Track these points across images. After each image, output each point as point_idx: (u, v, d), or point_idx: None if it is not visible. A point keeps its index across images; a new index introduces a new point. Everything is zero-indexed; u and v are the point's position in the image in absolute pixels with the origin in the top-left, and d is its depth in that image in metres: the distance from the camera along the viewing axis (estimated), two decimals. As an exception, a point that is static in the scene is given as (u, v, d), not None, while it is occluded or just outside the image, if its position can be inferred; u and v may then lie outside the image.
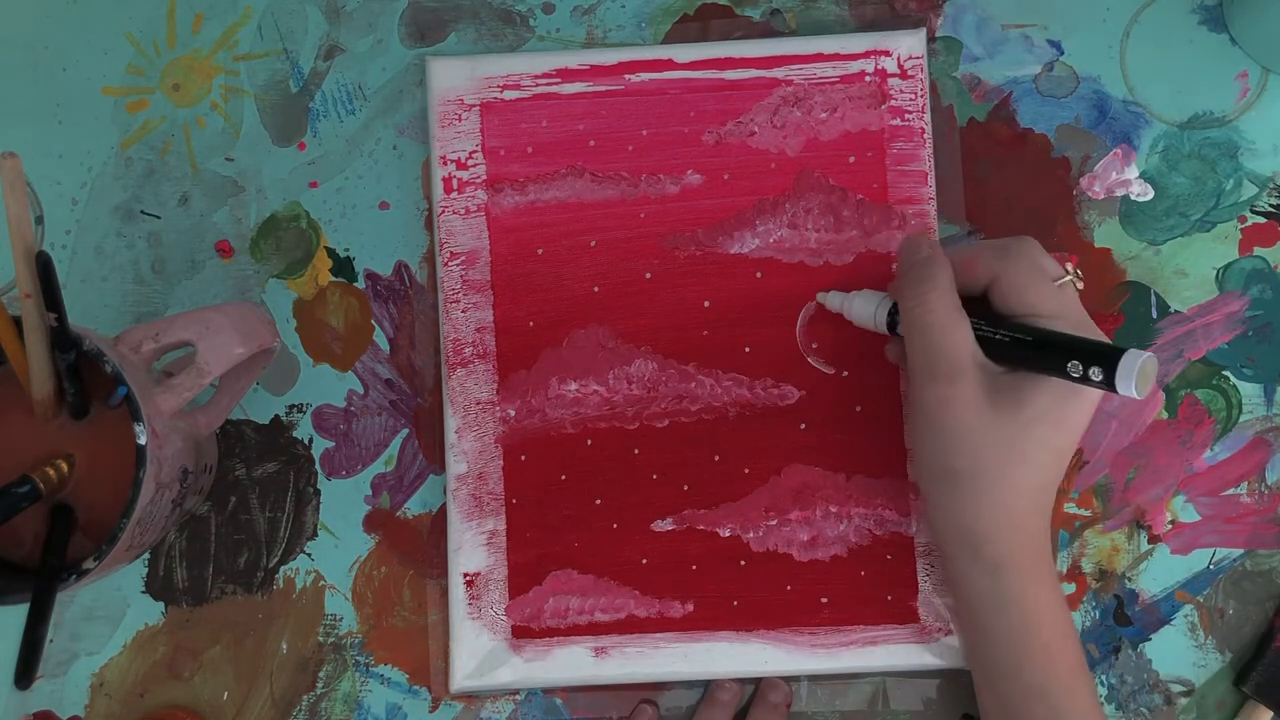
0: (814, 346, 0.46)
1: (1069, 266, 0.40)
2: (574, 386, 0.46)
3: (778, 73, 0.46)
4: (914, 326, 0.40)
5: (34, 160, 0.48)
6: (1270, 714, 0.44)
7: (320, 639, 0.47)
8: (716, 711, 0.45)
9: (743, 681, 0.46)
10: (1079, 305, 0.40)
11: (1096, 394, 0.39)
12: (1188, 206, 0.47)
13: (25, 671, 0.36)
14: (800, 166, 0.46)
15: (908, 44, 0.46)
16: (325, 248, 0.48)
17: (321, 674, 0.47)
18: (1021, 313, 0.39)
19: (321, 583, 0.47)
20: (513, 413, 0.46)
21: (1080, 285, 0.40)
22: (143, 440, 0.38)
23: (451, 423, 0.46)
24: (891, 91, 0.46)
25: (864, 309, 0.43)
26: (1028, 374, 0.39)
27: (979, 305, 0.41)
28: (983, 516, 0.39)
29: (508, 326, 0.47)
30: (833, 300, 0.44)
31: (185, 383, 0.40)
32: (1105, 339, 0.39)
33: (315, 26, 0.49)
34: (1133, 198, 0.47)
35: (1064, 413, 0.38)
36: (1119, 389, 0.35)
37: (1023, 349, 0.38)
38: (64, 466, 0.40)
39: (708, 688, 0.46)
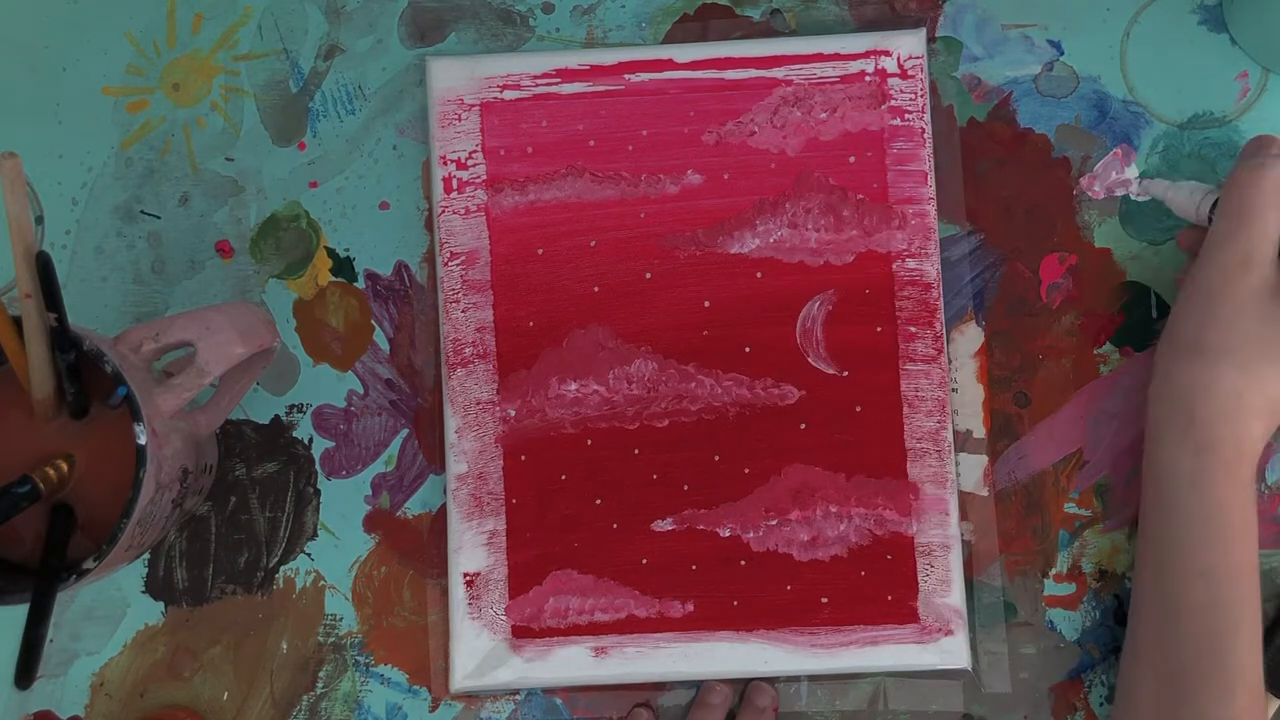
0: (815, 346, 0.46)
1: None
2: (574, 386, 0.46)
3: (778, 73, 0.46)
4: (1235, 203, 0.40)
5: (34, 160, 0.48)
6: (1279, 703, 0.44)
7: (320, 639, 0.47)
8: (707, 714, 0.45)
9: (733, 684, 0.46)
10: None
11: None
12: (1188, 206, 0.47)
13: (25, 671, 0.36)
14: (800, 166, 0.46)
15: (908, 44, 0.46)
16: (325, 248, 0.48)
17: (321, 674, 0.47)
18: None
19: (321, 583, 0.47)
20: (513, 413, 0.46)
21: None
22: (143, 440, 0.38)
23: (451, 423, 0.46)
24: (891, 91, 0.46)
25: (1188, 199, 0.44)
26: None
27: None
28: (1206, 397, 0.39)
29: (508, 326, 0.47)
30: (1155, 187, 0.45)
31: (185, 383, 0.40)
32: None
33: (315, 26, 0.49)
34: (1133, 198, 0.47)
35: None
36: None
37: None
38: (64, 466, 0.40)
39: (698, 690, 0.46)
